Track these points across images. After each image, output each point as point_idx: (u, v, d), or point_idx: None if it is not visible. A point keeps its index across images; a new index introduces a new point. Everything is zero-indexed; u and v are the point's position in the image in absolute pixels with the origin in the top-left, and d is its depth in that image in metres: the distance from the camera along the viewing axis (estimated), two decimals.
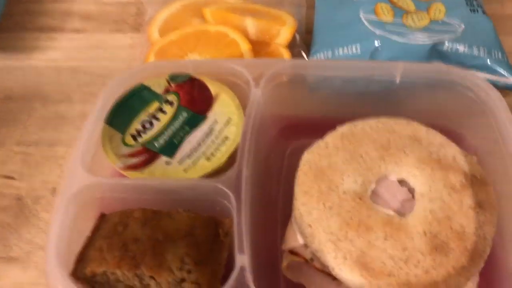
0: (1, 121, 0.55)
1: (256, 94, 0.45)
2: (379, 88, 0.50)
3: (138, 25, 0.63)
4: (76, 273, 0.36)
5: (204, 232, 0.38)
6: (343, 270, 0.37)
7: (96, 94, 0.55)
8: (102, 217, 0.40)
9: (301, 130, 0.51)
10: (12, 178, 0.50)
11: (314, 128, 0.49)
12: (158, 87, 0.47)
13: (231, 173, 0.40)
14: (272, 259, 0.42)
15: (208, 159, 0.42)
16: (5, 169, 0.51)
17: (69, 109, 0.56)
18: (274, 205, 0.46)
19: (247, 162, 0.40)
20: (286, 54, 0.55)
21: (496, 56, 0.53)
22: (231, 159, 0.42)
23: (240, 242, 0.35)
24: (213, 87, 0.47)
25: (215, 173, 0.41)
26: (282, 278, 0.41)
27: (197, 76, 0.48)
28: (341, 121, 0.47)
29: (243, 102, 0.46)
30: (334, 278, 0.39)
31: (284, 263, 0.40)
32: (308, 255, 0.40)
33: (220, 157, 0.42)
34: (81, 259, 0.37)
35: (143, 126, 0.45)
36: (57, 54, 0.61)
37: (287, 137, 0.51)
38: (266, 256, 0.42)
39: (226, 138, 0.44)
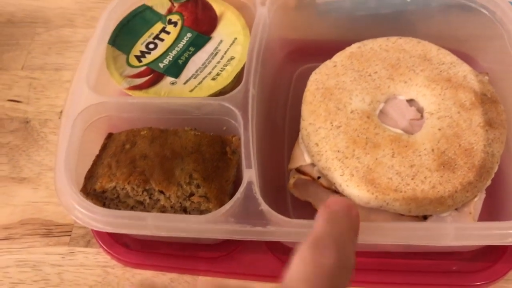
0: (4, 45, 0.54)
1: (262, 12, 0.44)
2: (390, 10, 0.49)
3: None
4: (86, 189, 0.37)
5: (210, 149, 0.38)
6: (350, 186, 0.37)
7: (99, 19, 0.54)
8: (110, 136, 0.40)
9: (309, 54, 0.50)
10: (19, 101, 0.50)
11: (322, 52, 0.48)
12: (161, 7, 0.46)
13: (237, 91, 0.39)
14: (279, 179, 0.43)
15: (214, 79, 0.42)
16: (11, 93, 0.51)
17: (73, 33, 0.55)
18: (281, 127, 0.46)
19: (253, 81, 0.40)
20: None
21: None
22: (237, 79, 0.42)
23: (247, 158, 0.36)
24: (217, 6, 0.46)
25: (221, 94, 0.41)
26: (289, 196, 0.42)
27: None
28: (350, 44, 0.46)
29: (249, 22, 0.45)
30: (340, 195, 0.39)
31: (291, 182, 0.41)
32: (315, 174, 0.40)
33: (226, 77, 0.42)
34: (91, 176, 0.37)
35: (147, 47, 0.44)
36: None
37: (294, 60, 0.50)
38: (272, 176, 0.42)
39: (232, 58, 0.43)
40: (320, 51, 0.49)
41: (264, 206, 0.33)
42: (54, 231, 0.42)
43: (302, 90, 0.44)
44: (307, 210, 0.40)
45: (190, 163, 0.36)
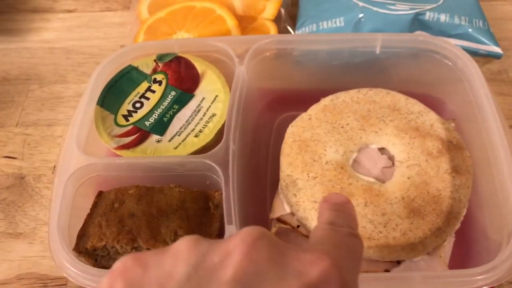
0: (0, 103, 0.57)
1: (241, 70, 0.47)
2: (362, 59, 0.52)
3: (127, 3, 0.64)
4: (79, 248, 0.39)
5: (194, 205, 0.40)
6: None
7: (90, 74, 0.57)
8: (100, 194, 0.42)
9: (288, 103, 0.53)
10: (13, 158, 0.53)
11: (301, 100, 0.51)
12: (146, 67, 0.49)
13: (218, 148, 0.42)
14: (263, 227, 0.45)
15: (196, 136, 0.44)
16: (6, 150, 0.53)
17: (65, 89, 0.58)
18: (264, 176, 0.49)
19: (233, 137, 0.42)
20: (272, 28, 0.56)
21: (477, 25, 0.54)
22: (219, 135, 0.45)
23: (228, 214, 0.38)
24: (199, 65, 0.49)
25: (204, 149, 0.44)
26: None
27: (184, 55, 0.49)
28: (327, 92, 0.49)
29: (229, 79, 0.48)
30: None
31: (273, 231, 0.43)
32: (294, 223, 0.43)
33: (208, 134, 0.44)
34: (82, 234, 0.40)
35: (134, 106, 0.47)
36: (50, 35, 0.62)
37: (274, 110, 0.53)
38: (256, 225, 0.44)
39: (214, 114, 0.46)
40: (298, 100, 0.52)
41: None
42: (49, 285, 0.45)
43: (282, 137, 0.46)
44: None
45: (175, 220, 0.39)
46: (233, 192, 0.39)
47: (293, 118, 0.49)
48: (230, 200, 0.39)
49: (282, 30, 0.57)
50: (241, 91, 0.46)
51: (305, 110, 0.50)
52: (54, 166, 0.52)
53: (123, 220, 0.39)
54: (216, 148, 0.42)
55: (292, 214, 0.43)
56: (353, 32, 0.55)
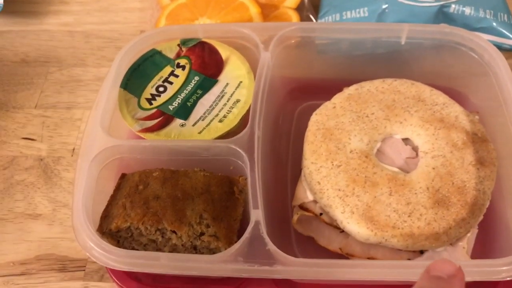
0: (19, 85, 0.57)
1: (266, 57, 0.47)
2: (386, 50, 0.51)
3: None
4: (102, 229, 0.39)
5: (219, 190, 0.40)
6: (350, 223, 0.39)
7: (109, 58, 0.57)
8: (123, 177, 0.42)
9: (309, 92, 0.53)
10: (32, 139, 0.53)
11: (322, 89, 0.51)
12: (170, 51, 0.49)
13: (243, 134, 0.42)
14: (283, 215, 0.45)
15: (221, 121, 0.44)
16: (25, 131, 0.53)
17: (84, 72, 0.57)
18: (284, 164, 0.49)
19: (258, 123, 0.42)
20: (294, 17, 0.56)
21: (502, 19, 0.54)
22: (243, 121, 0.44)
23: (254, 199, 0.38)
24: (223, 51, 0.49)
25: (228, 135, 0.44)
26: (292, 232, 0.44)
27: (207, 40, 0.49)
28: (348, 82, 0.49)
29: (253, 65, 0.47)
30: (341, 231, 0.42)
31: (295, 218, 0.43)
32: (317, 210, 0.42)
33: (233, 119, 0.44)
34: (106, 215, 0.40)
35: (157, 90, 0.47)
36: (69, 18, 0.62)
37: (295, 98, 0.53)
38: (277, 212, 0.44)
39: (238, 100, 0.45)
40: (320, 89, 0.52)
41: (271, 246, 0.36)
42: (68, 266, 0.45)
43: (304, 127, 0.46)
44: (310, 245, 0.43)
45: (200, 203, 0.39)
46: (258, 178, 0.39)
47: (314, 107, 0.49)
48: (256, 185, 0.39)
49: (304, 19, 0.57)
50: (266, 77, 0.45)
51: (327, 99, 0.50)
52: (74, 149, 0.52)
53: (148, 202, 0.39)
54: (241, 134, 0.42)
55: (315, 201, 0.43)
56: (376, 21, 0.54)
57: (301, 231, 0.44)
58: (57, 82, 0.57)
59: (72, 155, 0.51)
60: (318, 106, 0.51)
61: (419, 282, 0.28)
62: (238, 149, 0.41)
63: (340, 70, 0.53)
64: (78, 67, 0.58)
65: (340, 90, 0.49)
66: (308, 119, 0.48)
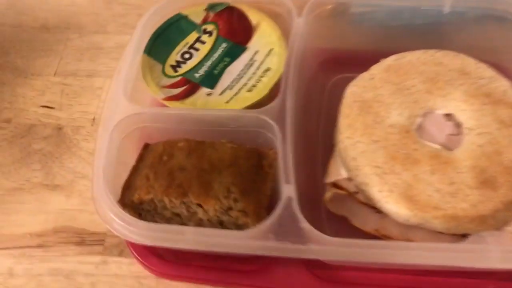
0: (38, 51, 0.54)
1: (299, 23, 0.43)
2: (425, 20, 0.48)
3: None
4: (124, 200, 0.37)
5: (247, 163, 0.37)
6: (388, 203, 0.37)
7: (131, 25, 0.55)
8: (146, 147, 0.40)
9: (342, 64, 0.50)
10: (51, 107, 0.50)
11: (356, 62, 0.48)
12: (196, 16, 0.46)
13: (274, 104, 0.39)
14: (314, 192, 0.42)
15: (249, 90, 0.41)
16: (44, 99, 0.51)
17: (105, 40, 0.55)
18: (315, 138, 0.46)
19: (290, 94, 0.39)
20: None
21: None
22: (273, 91, 0.42)
23: (286, 173, 0.35)
24: (253, 16, 0.45)
25: (257, 105, 0.41)
26: (323, 210, 0.41)
27: (236, 5, 0.46)
28: (384, 55, 0.46)
29: (284, 32, 0.44)
30: (378, 211, 0.39)
31: (327, 196, 0.40)
32: (351, 188, 0.40)
33: (262, 89, 0.41)
34: (128, 186, 0.37)
35: (183, 57, 0.44)
36: None
37: (327, 70, 0.50)
38: (308, 189, 0.41)
39: (268, 69, 0.43)
40: (353, 60, 0.48)
41: (305, 224, 0.33)
42: (87, 239, 0.43)
43: (336, 100, 0.43)
44: (342, 225, 0.40)
45: (227, 176, 0.36)
46: (290, 151, 0.36)
47: (347, 80, 0.45)
48: (287, 159, 0.36)
49: None
50: (298, 45, 0.42)
51: (360, 72, 0.47)
52: (94, 118, 0.50)
53: (172, 173, 0.36)
54: (272, 104, 0.39)
55: (349, 179, 0.40)
56: None
57: (334, 210, 0.41)
58: (77, 49, 0.54)
59: (92, 125, 0.49)
60: (351, 79, 0.48)
61: None
62: (268, 119, 0.38)
63: (375, 41, 0.50)
64: (99, 34, 0.55)
65: (375, 62, 0.46)
66: (341, 92, 0.44)
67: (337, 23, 0.49)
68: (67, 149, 0.48)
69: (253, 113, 0.39)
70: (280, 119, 0.38)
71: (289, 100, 0.39)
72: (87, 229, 0.43)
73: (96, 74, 0.52)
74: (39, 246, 0.42)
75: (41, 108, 0.50)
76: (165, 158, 0.38)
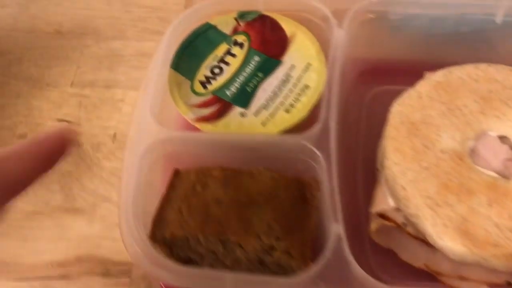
0: (53, 59, 0.51)
1: (340, 35, 0.40)
2: (472, 28, 0.44)
3: None
4: (155, 236, 0.34)
5: (289, 194, 0.34)
6: (443, 238, 0.34)
7: (152, 30, 0.51)
8: (177, 174, 0.37)
9: (381, 76, 0.46)
10: (69, 122, 0.47)
11: (396, 73, 0.45)
12: (226, 26, 0.42)
13: (316, 128, 0.36)
14: (356, 220, 0.39)
15: (287, 111, 0.38)
16: (60, 113, 0.48)
17: (124, 46, 0.52)
18: (354, 160, 0.43)
19: (333, 118, 0.36)
20: None
21: None
22: (312, 111, 0.38)
23: (334, 211, 0.32)
24: (288, 27, 0.42)
25: (295, 127, 0.38)
26: (368, 241, 0.38)
27: (269, 13, 0.42)
28: (426, 65, 0.42)
29: (320, 43, 0.41)
30: (429, 245, 0.36)
31: (373, 227, 0.37)
32: (400, 219, 0.37)
33: (301, 109, 0.38)
34: (159, 220, 0.34)
35: (212, 72, 0.41)
36: None
37: (366, 83, 0.46)
38: (349, 217, 0.38)
39: (307, 86, 0.39)
40: (393, 72, 0.45)
41: (358, 270, 0.30)
42: (112, 270, 0.40)
43: (376, 116, 0.40)
44: (389, 258, 0.37)
45: (268, 211, 0.33)
46: (336, 183, 0.33)
47: (388, 93, 0.42)
48: (334, 194, 0.33)
49: None
50: (340, 60, 0.39)
51: (401, 84, 0.44)
52: (115, 134, 0.46)
53: (208, 207, 0.33)
54: (314, 129, 0.35)
55: (397, 209, 0.37)
56: None
57: (380, 242, 0.38)
58: (95, 56, 0.51)
59: (113, 142, 0.46)
60: (392, 92, 0.44)
61: None
62: (312, 147, 0.35)
63: (416, 51, 0.46)
64: (118, 40, 0.52)
65: (417, 73, 0.42)
66: (381, 107, 0.41)
67: (375, 31, 0.45)
68: (88, 169, 0.45)
69: (294, 139, 0.35)
70: (324, 146, 0.35)
71: (332, 125, 0.35)
72: (112, 259, 0.40)
73: (116, 85, 0.49)
74: (62, 277, 0.40)
75: (58, 122, 0.47)
76: (198, 188, 0.35)
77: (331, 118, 0.36)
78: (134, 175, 0.35)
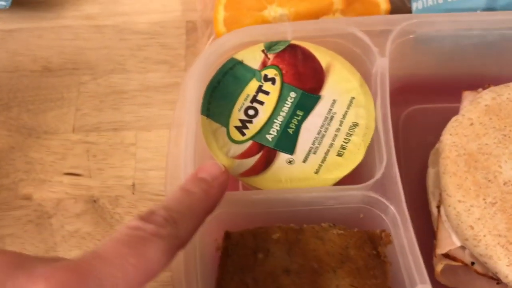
0: (46, 102, 0.45)
1: (384, 64, 0.37)
2: (498, 38, 0.43)
3: None
4: None
5: (361, 253, 0.32)
6: None
7: (155, 60, 0.47)
8: (228, 236, 0.33)
9: (413, 93, 0.44)
10: (78, 175, 0.42)
11: (428, 90, 0.43)
12: (253, 60, 0.38)
13: (380, 176, 0.33)
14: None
15: (339, 154, 0.35)
16: (66, 165, 0.43)
17: (126, 80, 0.46)
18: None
19: (395, 159, 0.33)
20: (383, 0, 0.45)
21: None
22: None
23: (419, 271, 0.30)
24: (321, 56, 0.38)
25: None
26: (432, 281, 0.36)
27: (299, 43, 0.39)
28: (457, 80, 0.41)
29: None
30: (498, 282, 0.34)
31: (438, 268, 0.35)
32: (467, 259, 0.35)
33: (355, 152, 0.35)
34: None
35: (247, 114, 0.37)
36: (92, 9, 0.50)
37: (399, 102, 0.43)
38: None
39: (355, 124, 0.36)
40: (425, 88, 0.44)
41: None
42: None
43: (412, 137, 0.40)
44: None
45: (344, 276, 0.30)
46: (414, 240, 0.31)
47: (422, 112, 0.41)
48: (414, 251, 0.30)
49: (394, 2, 0.46)
50: (387, 91, 0.36)
51: (435, 102, 0.42)
52: (133, 184, 0.42)
53: (277, 279, 0.30)
54: (378, 177, 0.33)
55: (463, 247, 0.35)
56: (487, 5, 0.45)
57: (447, 283, 0.36)
58: (94, 95, 0.46)
59: (133, 193, 0.41)
60: (427, 111, 0.43)
61: (185, 183, 0.29)
62: (381, 198, 0.32)
63: (445, 66, 0.44)
64: (117, 73, 0.47)
65: (449, 89, 0.41)
66: (416, 126, 0.42)
67: (405, 49, 0.42)
68: (109, 227, 0.40)
69: (360, 190, 0.32)
70: (392, 194, 0.32)
71: (396, 171, 0.33)
72: None
73: (124, 127, 0.44)
74: None
75: (66, 176, 0.42)
76: (260, 256, 0.31)
77: (393, 162, 0.33)
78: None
